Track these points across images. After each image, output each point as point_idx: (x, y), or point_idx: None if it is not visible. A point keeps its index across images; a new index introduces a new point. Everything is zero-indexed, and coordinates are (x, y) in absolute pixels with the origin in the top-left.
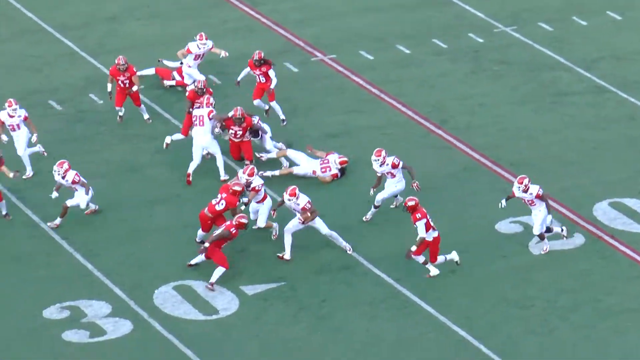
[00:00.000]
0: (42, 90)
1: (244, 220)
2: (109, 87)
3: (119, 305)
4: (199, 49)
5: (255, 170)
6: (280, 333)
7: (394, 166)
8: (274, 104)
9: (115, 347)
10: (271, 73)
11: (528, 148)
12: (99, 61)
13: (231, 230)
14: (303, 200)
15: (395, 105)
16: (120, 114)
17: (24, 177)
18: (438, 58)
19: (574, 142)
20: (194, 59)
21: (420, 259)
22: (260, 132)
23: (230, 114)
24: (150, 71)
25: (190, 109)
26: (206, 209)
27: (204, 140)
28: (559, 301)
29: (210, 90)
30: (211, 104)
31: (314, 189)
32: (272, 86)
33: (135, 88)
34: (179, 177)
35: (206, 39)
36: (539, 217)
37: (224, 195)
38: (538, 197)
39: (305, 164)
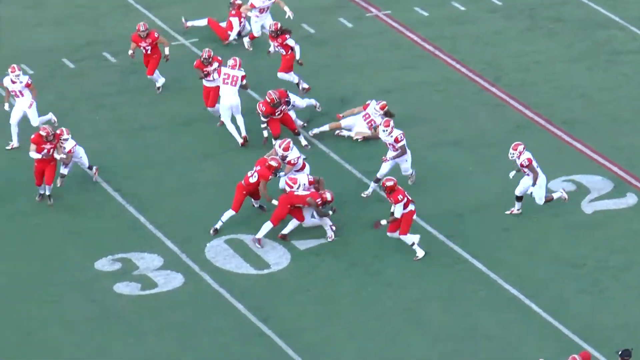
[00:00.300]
0: (96, 42)
1: (328, 197)
2: (130, 52)
3: (170, 258)
4: (263, 2)
5: (291, 144)
6: (331, 288)
7: (397, 141)
8: (281, 75)
9: (166, 300)
10: (290, 42)
11: (582, 106)
12: (153, 13)
13: (317, 200)
14: (304, 178)
15: (449, 62)
16: (157, 84)
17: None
18: (493, 15)
19: (628, 100)
20: (260, 13)
21: (409, 239)
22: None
23: (269, 99)
24: (203, 22)
25: (201, 78)
26: (243, 180)
27: (233, 99)
28: (611, 261)
29: (219, 58)
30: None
31: (364, 145)
32: (298, 57)
33: (167, 51)
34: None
35: None
36: (524, 184)
37: (258, 168)
38: (522, 165)
39: (359, 124)
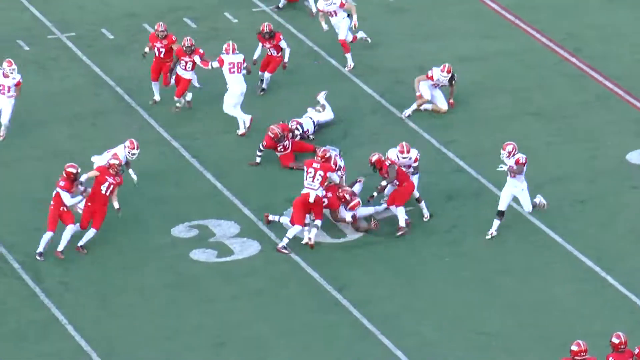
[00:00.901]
0: (177, 7)
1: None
2: (146, 49)
3: (247, 225)
4: (327, 5)
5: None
6: (407, 257)
7: (416, 160)
8: (268, 75)
9: (242, 267)
10: (282, 44)
11: None
12: None
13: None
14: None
15: (529, 32)
16: (155, 96)
17: None
18: None
19: None
20: (330, 16)
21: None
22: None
23: (272, 134)
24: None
25: (177, 66)
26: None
27: (243, 87)
28: None
29: (201, 51)
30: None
31: (441, 114)
32: (286, 59)
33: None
34: (311, 97)
35: None
36: (507, 194)
37: (329, 194)
38: (517, 162)
39: (437, 96)
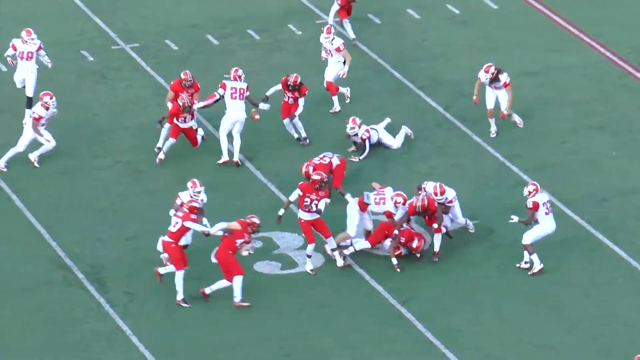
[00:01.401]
0: (240, 18)
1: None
2: (168, 104)
3: None
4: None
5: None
6: (470, 271)
7: (451, 202)
8: (295, 121)
9: (306, 279)
10: (301, 101)
11: None
12: None
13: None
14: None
15: (593, 46)
16: (160, 146)
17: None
18: None
19: None
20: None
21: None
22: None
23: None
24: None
25: (160, 122)
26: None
27: (240, 115)
28: None
29: (195, 110)
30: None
31: (506, 129)
32: (297, 113)
33: (196, 105)
34: (379, 105)
35: None
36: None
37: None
38: (527, 206)
39: (501, 101)
